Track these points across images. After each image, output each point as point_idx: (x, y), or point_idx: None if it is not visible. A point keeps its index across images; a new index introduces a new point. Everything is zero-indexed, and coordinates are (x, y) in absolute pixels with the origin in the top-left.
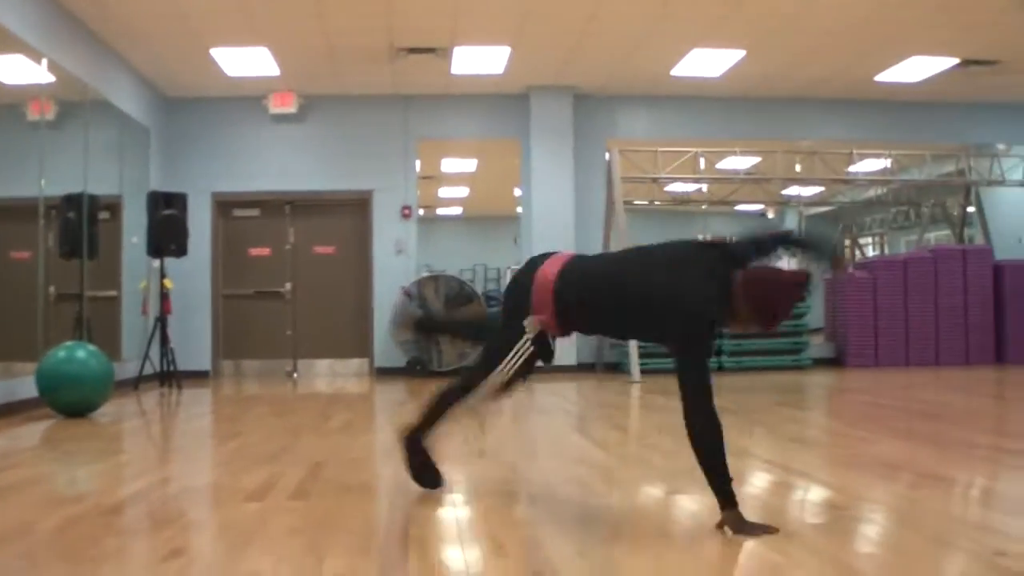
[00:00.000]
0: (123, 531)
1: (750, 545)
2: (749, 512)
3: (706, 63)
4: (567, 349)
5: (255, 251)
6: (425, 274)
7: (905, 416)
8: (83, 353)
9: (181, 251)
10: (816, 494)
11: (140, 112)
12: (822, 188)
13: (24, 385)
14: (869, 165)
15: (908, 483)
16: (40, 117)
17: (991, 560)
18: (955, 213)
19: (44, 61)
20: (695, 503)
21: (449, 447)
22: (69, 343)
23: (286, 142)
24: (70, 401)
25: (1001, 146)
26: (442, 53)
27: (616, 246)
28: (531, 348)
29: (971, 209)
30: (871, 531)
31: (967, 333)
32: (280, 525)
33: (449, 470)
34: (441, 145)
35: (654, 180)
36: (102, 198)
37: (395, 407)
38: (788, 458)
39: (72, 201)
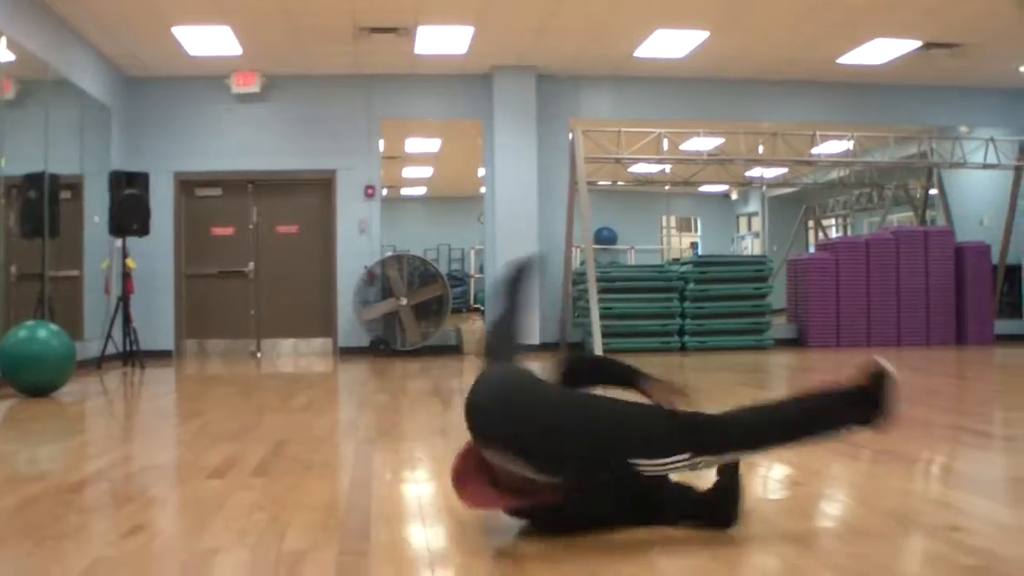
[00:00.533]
0: (84, 509)
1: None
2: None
3: (670, 44)
4: (530, 328)
5: (218, 230)
6: (389, 254)
7: None
8: (45, 333)
9: (143, 231)
10: (775, 471)
11: (101, 91)
12: (785, 169)
13: None
14: (832, 147)
15: (867, 460)
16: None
17: (947, 535)
18: (917, 195)
19: (3, 39)
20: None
21: (411, 425)
22: (31, 323)
23: (249, 121)
24: (32, 381)
25: (963, 129)
26: (405, 33)
27: (579, 227)
28: None
29: (933, 191)
30: (829, 507)
31: (928, 314)
32: (242, 502)
33: (411, 447)
34: (405, 125)
35: (617, 160)
36: (63, 177)
37: (358, 386)
38: None
39: (33, 180)
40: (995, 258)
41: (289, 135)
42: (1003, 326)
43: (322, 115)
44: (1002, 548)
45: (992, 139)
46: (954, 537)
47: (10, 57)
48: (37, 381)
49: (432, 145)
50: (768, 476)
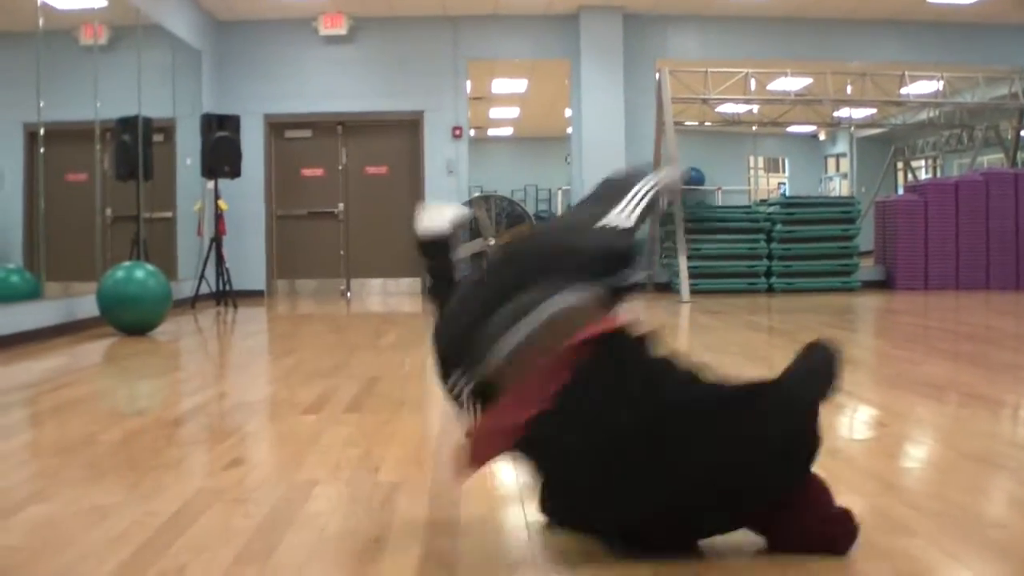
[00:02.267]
0: (184, 442)
1: None
2: None
3: None
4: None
5: (308, 172)
6: (476, 194)
7: (952, 338)
8: (141, 273)
9: (235, 173)
10: (861, 412)
11: (192, 35)
12: (874, 110)
13: (85, 304)
14: (921, 87)
15: (952, 403)
16: (93, 41)
17: None
18: (1008, 136)
19: None
20: None
21: None
22: (128, 263)
23: (336, 63)
24: (130, 320)
25: None
26: None
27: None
28: None
29: None
30: (912, 448)
31: (1018, 257)
32: (336, 436)
33: None
34: (491, 65)
35: (704, 101)
36: (156, 121)
37: None
38: None
39: (127, 124)
40: None
41: (376, 77)
42: None
43: (409, 56)
44: None
45: None
46: None
47: (103, 3)
48: (134, 320)
49: (519, 86)
50: (851, 417)
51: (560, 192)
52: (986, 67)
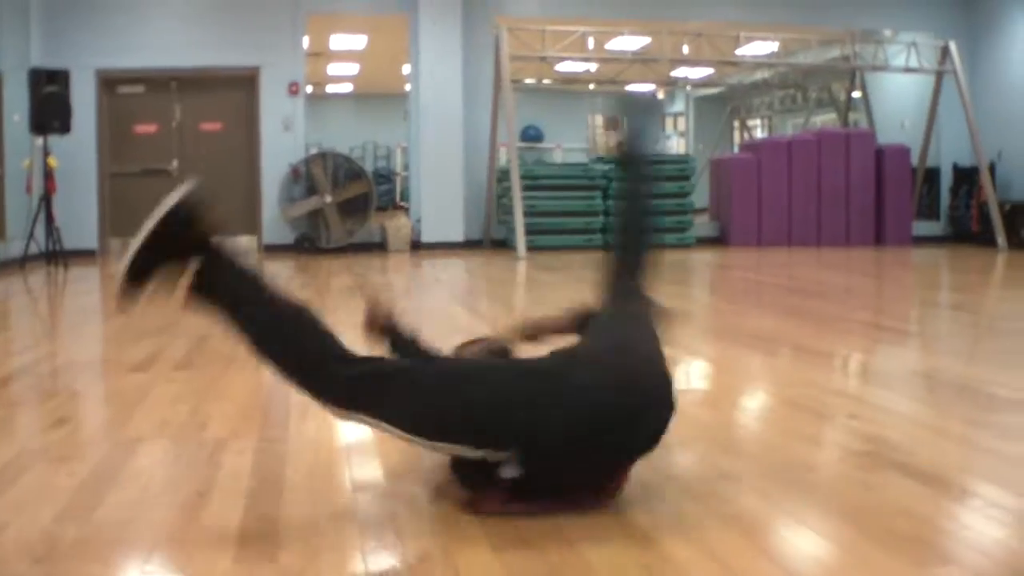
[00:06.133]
0: (9, 403)
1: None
2: None
3: None
4: (454, 224)
5: (141, 128)
6: (314, 151)
7: (782, 293)
8: None
9: (65, 129)
10: (690, 364)
11: None
12: (711, 70)
13: None
14: (757, 48)
15: (777, 354)
16: None
17: (843, 422)
18: (841, 97)
19: None
20: None
21: (333, 319)
22: None
23: (172, 15)
24: None
25: (887, 32)
26: None
27: (503, 125)
28: None
29: (856, 94)
30: (736, 398)
31: (848, 215)
32: (164, 394)
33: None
34: (330, 20)
35: (542, 59)
36: None
37: (281, 283)
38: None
39: None
40: (915, 161)
41: (212, 29)
42: (921, 227)
43: (246, 9)
44: (893, 434)
45: (915, 43)
46: (850, 424)
47: None
48: None
49: (358, 42)
50: (683, 369)
51: (400, 149)
52: (820, 29)
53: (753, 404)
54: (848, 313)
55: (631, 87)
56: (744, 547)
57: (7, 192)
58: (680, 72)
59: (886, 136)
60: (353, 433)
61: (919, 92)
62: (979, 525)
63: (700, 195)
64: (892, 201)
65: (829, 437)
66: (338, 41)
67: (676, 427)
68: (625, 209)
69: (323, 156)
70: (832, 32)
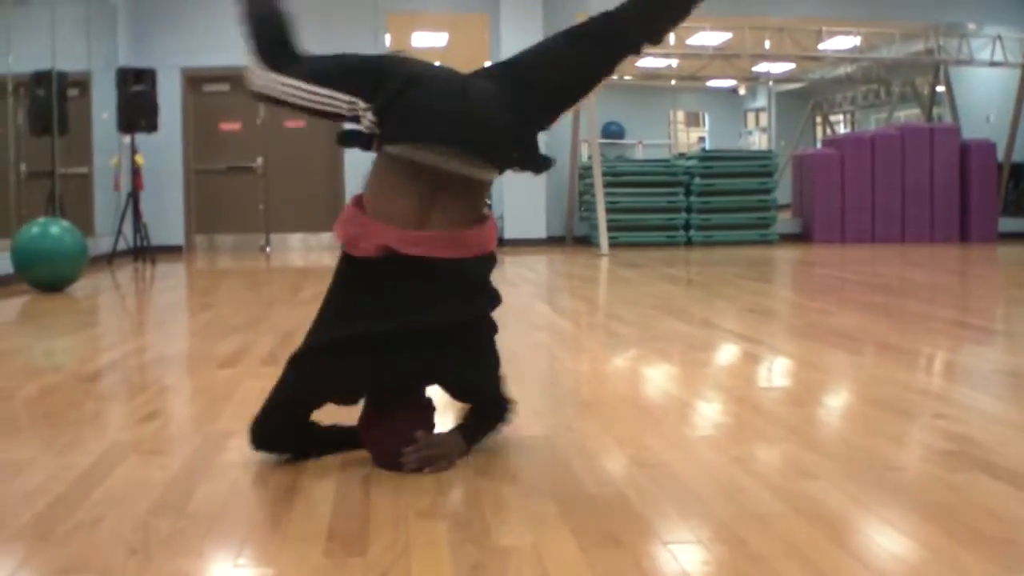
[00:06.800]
0: (101, 397)
1: (704, 409)
2: (705, 381)
3: None
4: (536, 222)
5: (226, 126)
6: None
7: (866, 290)
8: (57, 229)
9: (152, 127)
10: (772, 362)
11: None
12: (792, 65)
13: None
14: (839, 43)
15: (861, 352)
16: None
17: (929, 421)
18: (924, 92)
19: None
20: (656, 370)
21: None
22: (42, 219)
23: None
24: (45, 276)
25: (971, 26)
26: None
27: (585, 122)
28: None
29: (940, 88)
30: (820, 396)
31: (932, 211)
32: (252, 389)
33: None
34: (411, 19)
35: None
36: (71, 75)
37: None
38: (747, 328)
39: (41, 78)
40: (1000, 156)
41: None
42: (1007, 224)
43: (328, 9)
44: (980, 434)
45: (1000, 37)
46: (936, 424)
47: None
48: (50, 277)
49: (439, 40)
50: (762, 367)
51: None
52: (903, 23)
53: (837, 402)
54: (933, 311)
55: (712, 83)
56: (828, 545)
57: (96, 189)
58: (762, 67)
59: (971, 131)
60: (440, 427)
61: (1004, 86)
62: None
63: (783, 191)
64: (977, 197)
65: (914, 436)
66: (419, 39)
67: (759, 424)
68: None
69: None
70: (915, 26)
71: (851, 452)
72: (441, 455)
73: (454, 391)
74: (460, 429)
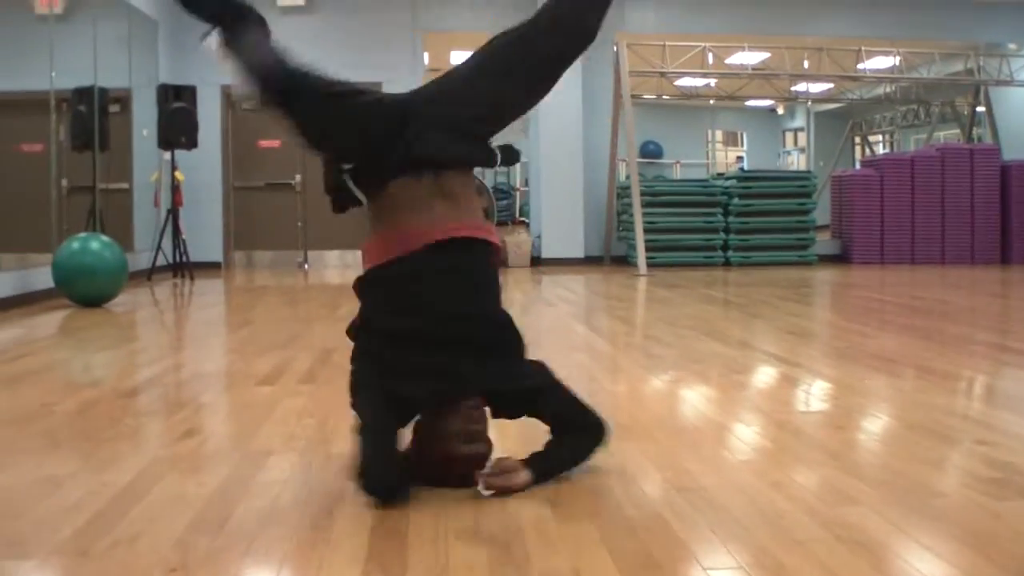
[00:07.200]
0: (139, 413)
1: (743, 432)
2: (744, 404)
3: None
4: (574, 241)
5: (265, 143)
6: None
7: (906, 312)
8: (97, 244)
9: (191, 143)
10: (811, 385)
11: (148, 4)
12: (831, 85)
13: (40, 276)
14: (878, 63)
15: (902, 375)
16: (49, 10)
17: (971, 447)
18: (964, 112)
19: None
20: (695, 392)
21: None
22: (83, 235)
23: (294, 35)
24: (85, 291)
25: (1012, 46)
26: None
27: (623, 141)
28: None
29: (980, 108)
30: (860, 420)
31: (973, 232)
32: (291, 408)
33: None
34: (449, 37)
35: (662, 74)
36: (112, 91)
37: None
38: (786, 350)
39: (83, 94)
40: None
41: (333, 49)
42: None
43: (366, 29)
44: (1022, 461)
45: None
46: (978, 450)
47: None
48: (90, 292)
49: None
50: (801, 389)
51: (518, 164)
52: (942, 43)
53: (877, 427)
54: (973, 334)
55: (751, 102)
56: (869, 572)
57: (136, 205)
58: (800, 87)
59: (1011, 152)
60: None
61: None
62: None
63: (821, 212)
64: (1018, 218)
65: (955, 462)
66: (457, 57)
67: (799, 448)
68: None
69: None
70: (955, 46)
71: (892, 477)
72: (506, 486)
73: (507, 403)
74: (533, 458)
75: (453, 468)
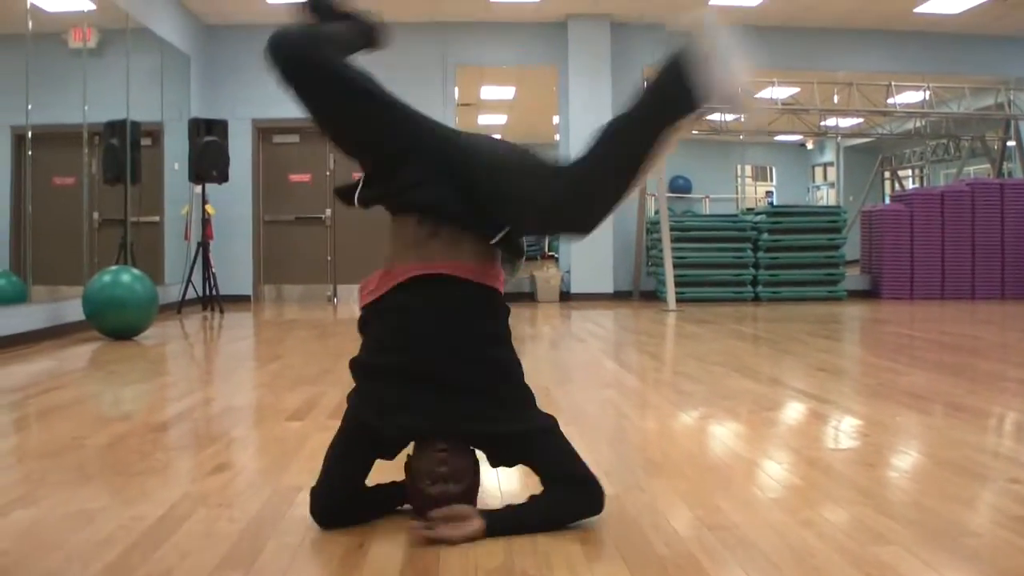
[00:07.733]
0: (170, 447)
1: (773, 469)
2: (774, 441)
3: None
4: (603, 277)
5: (295, 177)
6: None
7: (936, 348)
8: (128, 277)
9: (222, 177)
10: (841, 422)
11: (180, 39)
12: (861, 120)
13: (71, 308)
14: (908, 97)
15: (933, 413)
16: (82, 45)
17: (1004, 486)
18: (995, 147)
19: None
20: (725, 428)
21: None
22: (114, 267)
23: None
24: (116, 324)
25: None
26: None
27: (651, 174)
28: None
29: (1011, 143)
30: (891, 458)
31: (1003, 267)
32: (321, 443)
33: None
34: (480, 72)
35: None
36: (144, 125)
37: None
38: (816, 386)
39: (115, 128)
40: None
41: None
42: None
43: (397, 63)
44: None
45: None
46: (1011, 488)
47: (91, 6)
48: (120, 325)
49: (507, 92)
50: (831, 427)
51: None
52: (972, 77)
53: (907, 464)
54: (1005, 370)
55: (781, 137)
56: None
57: (166, 238)
58: (830, 122)
59: None
60: (508, 485)
61: None
62: None
63: (851, 247)
64: None
65: (988, 501)
66: (488, 92)
67: (830, 486)
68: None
69: None
70: (985, 80)
71: (924, 516)
72: (448, 535)
73: (495, 448)
74: (496, 512)
75: (426, 506)
